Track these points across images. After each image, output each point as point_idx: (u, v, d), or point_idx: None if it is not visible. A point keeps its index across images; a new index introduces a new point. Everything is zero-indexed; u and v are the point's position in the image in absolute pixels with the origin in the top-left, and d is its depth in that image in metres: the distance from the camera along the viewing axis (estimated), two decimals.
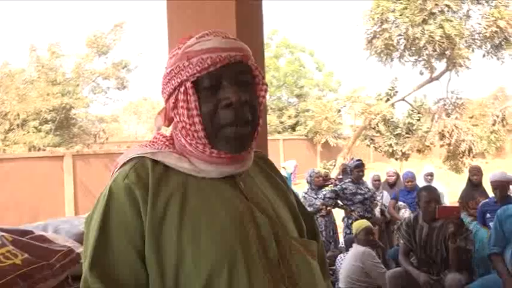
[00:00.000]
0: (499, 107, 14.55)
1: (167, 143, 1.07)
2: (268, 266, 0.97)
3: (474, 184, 5.96)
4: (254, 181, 1.11)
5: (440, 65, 12.26)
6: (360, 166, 5.71)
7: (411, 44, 11.25)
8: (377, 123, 13.68)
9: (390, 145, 13.75)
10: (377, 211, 5.90)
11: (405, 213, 6.02)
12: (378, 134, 14.61)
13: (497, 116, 13.43)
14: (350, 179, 5.73)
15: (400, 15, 11.14)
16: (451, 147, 11.86)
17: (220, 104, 0.98)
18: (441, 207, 4.06)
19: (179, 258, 0.93)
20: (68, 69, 13.78)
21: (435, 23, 10.78)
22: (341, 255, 4.98)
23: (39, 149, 11.98)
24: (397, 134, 13.92)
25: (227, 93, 0.98)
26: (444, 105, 12.56)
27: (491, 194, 5.03)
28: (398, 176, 7.25)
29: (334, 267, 4.91)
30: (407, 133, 13.88)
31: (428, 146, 12.73)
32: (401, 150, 13.25)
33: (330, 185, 6.97)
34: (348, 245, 4.82)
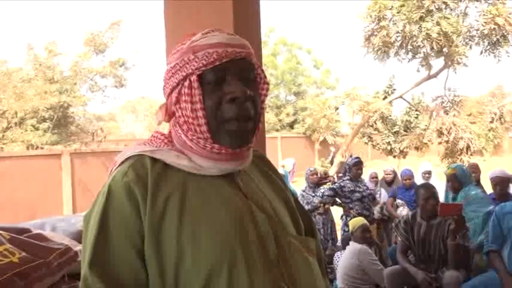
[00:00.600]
0: (496, 104, 14.59)
1: (165, 140, 1.07)
2: (268, 264, 0.97)
3: None
4: (253, 180, 1.11)
5: (437, 63, 12.28)
6: (358, 164, 5.71)
7: (408, 41, 11.25)
8: (374, 121, 13.70)
9: (388, 143, 13.77)
10: (376, 210, 5.91)
11: (403, 211, 6.02)
12: (376, 132, 14.62)
13: (495, 114, 13.47)
14: (348, 177, 5.73)
15: (397, 12, 11.14)
16: (449, 145, 11.87)
17: (224, 98, 0.99)
18: (443, 204, 4.06)
19: (179, 256, 0.92)
20: (65, 67, 13.77)
21: (432, 20, 10.78)
22: (338, 253, 4.99)
23: (37, 148, 11.97)
24: (395, 132, 13.94)
25: (232, 88, 0.99)
26: (442, 102, 12.57)
27: (489, 192, 5.04)
28: (395, 174, 7.26)
29: (332, 265, 4.92)
30: (405, 131, 13.90)
31: (426, 144, 12.74)
32: (399, 148, 13.26)
33: (328, 183, 6.97)
34: (345, 243, 4.82)
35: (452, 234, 3.77)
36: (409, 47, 11.43)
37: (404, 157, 13.75)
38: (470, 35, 11.46)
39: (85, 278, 0.92)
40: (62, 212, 9.93)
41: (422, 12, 10.75)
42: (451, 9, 11.13)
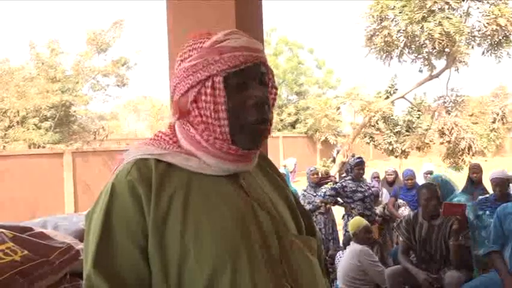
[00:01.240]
0: (499, 104, 14.56)
1: (170, 141, 1.06)
2: (270, 263, 0.98)
3: (474, 182, 5.95)
4: (255, 179, 1.11)
5: (439, 63, 12.26)
6: (360, 164, 5.71)
7: (410, 41, 11.23)
8: (376, 121, 13.68)
9: (390, 143, 13.75)
10: (379, 210, 5.91)
11: (405, 211, 6.03)
12: (377, 132, 14.61)
13: (497, 114, 13.44)
14: (350, 177, 5.73)
15: (400, 12, 11.12)
16: (451, 145, 11.85)
17: (248, 102, 1.00)
18: (447, 204, 4.04)
19: (182, 255, 0.93)
20: (67, 66, 13.79)
21: (434, 20, 10.76)
22: (340, 252, 4.99)
23: (39, 146, 11.99)
24: (397, 132, 13.92)
25: (256, 92, 1.01)
26: (444, 102, 12.55)
27: (491, 192, 5.03)
28: (396, 174, 7.27)
29: (334, 265, 4.91)
30: (406, 131, 13.88)
31: (428, 144, 12.72)
32: (401, 148, 13.25)
33: (329, 183, 6.98)
34: (347, 243, 4.82)
35: (455, 234, 3.76)
36: (411, 47, 11.42)
37: (406, 157, 13.74)
38: (473, 35, 11.44)
39: (88, 277, 0.92)
40: (64, 210, 9.95)
41: (424, 13, 10.73)
42: (453, 10, 11.11)
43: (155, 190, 0.96)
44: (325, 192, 5.97)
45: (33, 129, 12.46)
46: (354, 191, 5.58)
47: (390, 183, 7.05)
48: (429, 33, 10.70)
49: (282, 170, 8.44)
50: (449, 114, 12.22)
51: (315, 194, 6.18)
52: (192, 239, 0.93)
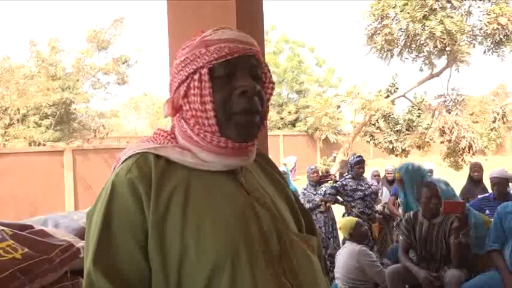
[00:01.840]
0: (499, 104, 14.54)
1: (168, 137, 1.07)
2: (270, 260, 0.98)
3: (475, 181, 5.96)
4: (254, 177, 1.11)
5: (440, 62, 12.26)
6: (360, 162, 5.71)
7: (411, 40, 11.23)
8: (377, 120, 13.69)
9: (390, 141, 13.76)
10: (379, 208, 5.91)
11: None
12: (378, 130, 14.62)
13: (498, 113, 13.42)
14: (350, 176, 5.73)
15: (401, 11, 11.11)
16: (451, 144, 11.86)
17: (235, 92, 1.00)
18: (447, 202, 4.04)
19: (182, 252, 0.93)
20: (68, 64, 13.77)
21: (436, 19, 10.75)
22: (340, 250, 4.98)
23: (39, 144, 11.99)
24: (397, 131, 13.93)
25: (243, 82, 1.00)
26: (445, 101, 12.56)
27: (491, 191, 5.03)
28: None
29: (334, 264, 4.91)
30: (407, 129, 13.89)
31: (428, 143, 12.73)
32: (401, 147, 13.25)
33: (329, 181, 6.97)
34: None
35: (455, 232, 3.75)
36: (412, 45, 11.41)
37: (406, 156, 13.74)
38: (474, 34, 11.44)
39: (88, 274, 0.92)
40: (64, 208, 9.97)
41: (426, 11, 10.72)
42: (455, 8, 11.11)
43: (155, 187, 0.96)
44: (325, 190, 5.97)
45: (34, 127, 12.47)
46: (355, 189, 5.58)
47: (391, 182, 7.06)
48: (430, 32, 10.70)
49: (282, 168, 8.44)
50: (450, 113, 12.22)
51: (315, 193, 6.18)
52: (192, 235, 0.93)
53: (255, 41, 1.07)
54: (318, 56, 22.28)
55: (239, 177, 1.06)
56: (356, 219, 4.64)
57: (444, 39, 10.73)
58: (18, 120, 12.37)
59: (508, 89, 25.30)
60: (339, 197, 5.82)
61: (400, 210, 5.99)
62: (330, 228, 6.01)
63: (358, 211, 5.45)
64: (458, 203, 4.11)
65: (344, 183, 5.69)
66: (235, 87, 1.00)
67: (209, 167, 1.02)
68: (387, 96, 13.75)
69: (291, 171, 12.84)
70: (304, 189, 6.34)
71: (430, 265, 3.89)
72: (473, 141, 11.71)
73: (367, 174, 6.56)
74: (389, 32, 11.22)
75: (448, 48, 11.26)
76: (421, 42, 11.19)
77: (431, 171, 6.80)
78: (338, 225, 5.12)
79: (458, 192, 6.12)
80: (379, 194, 6.40)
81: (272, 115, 19.62)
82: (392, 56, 11.82)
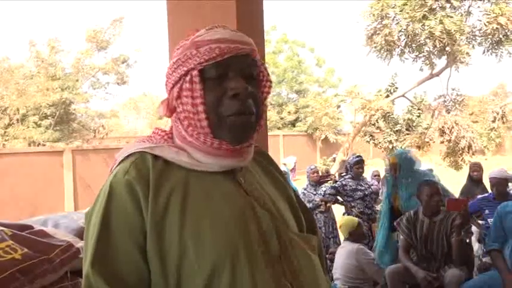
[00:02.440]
0: (499, 103, 14.54)
1: (165, 137, 1.07)
2: (270, 260, 0.97)
3: (474, 180, 5.96)
4: (254, 176, 1.11)
5: (440, 62, 12.26)
6: (360, 162, 5.71)
7: (411, 40, 11.23)
8: (377, 120, 13.68)
9: (390, 141, 13.76)
10: (378, 208, 5.90)
11: None
12: (378, 130, 14.61)
13: (497, 113, 13.42)
14: (350, 176, 5.73)
15: (400, 11, 11.11)
16: (451, 144, 11.86)
17: (226, 94, 0.98)
18: (450, 199, 4.04)
19: (181, 253, 0.92)
20: (67, 64, 13.78)
21: (435, 18, 10.75)
22: (338, 250, 4.98)
23: (38, 144, 11.99)
24: (397, 130, 13.93)
25: (234, 84, 0.98)
26: (445, 101, 12.55)
27: (491, 191, 5.03)
28: None
29: (333, 264, 4.91)
30: (407, 129, 13.89)
31: (428, 143, 12.73)
32: (401, 147, 13.24)
33: (329, 181, 6.97)
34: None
35: (457, 229, 3.75)
36: (412, 45, 11.41)
37: None
38: (473, 34, 11.44)
39: (87, 276, 0.92)
40: (64, 208, 9.96)
41: (425, 11, 10.72)
42: (454, 8, 11.11)
43: (153, 188, 0.95)
44: (325, 190, 5.97)
45: (33, 127, 12.47)
46: (354, 189, 5.58)
47: None
48: (430, 32, 10.69)
49: (282, 168, 8.44)
50: (449, 113, 12.22)
51: (315, 193, 6.18)
52: (191, 236, 0.93)
53: (251, 39, 1.05)
54: (318, 56, 22.28)
55: (238, 177, 1.05)
56: (356, 219, 4.64)
57: (443, 39, 10.72)
58: (17, 120, 12.37)
59: (507, 88, 25.33)
60: (339, 197, 5.82)
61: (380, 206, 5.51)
62: (331, 228, 6.02)
63: (358, 211, 5.45)
64: (461, 200, 4.11)
65: (344, 183, 5.69)
66: (227, 88, 0.98)
67: (205, 167, 1.02)
68: (387, 96, 13.75)
69: (291, 171, 12.83)
70: (304, 189, 6.34)
71: (431, 264, 3.89)
72: (473, 141, 11.71)
73: (367, 174, 6.56)
74: (389, 32, 11.22)
75: (447, 48, 11.26)
76: (421, 42, 11.19)
77: (430, 170, 6.78)
78: (338, 224, 5.12)
79: (458, 192, 6.13)
80: (379, 194, 6.39)
81: (272, 115, 19.61)
82: (391, 56, 11.81)
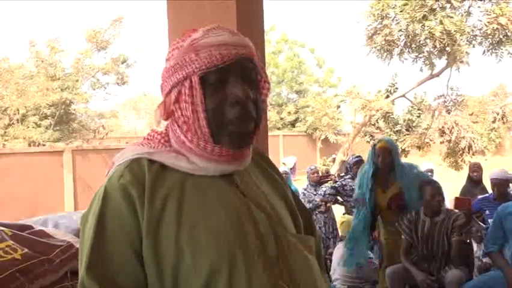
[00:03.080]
0: (499, 104, 14.54)
1: (162, 140, 1.05)
2: (267, 263, 0.96)
3: (474, 181, 5.96)
4: (251, 177, 1.10)
5: (440, 62, 12.25)
6: (359, 163, 5.70)
7: (411, 40, 11.22)
8: (377, 120, 13.68)
9: None
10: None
11: None
12: (378, 131, 14.61)
13: (497, 113, 13.42)
14: (350, 176, 5.73)
15: (401, 11, 11.10)
16: (451, 144, 11.86)
17: (227, 100, 0.97)
18: (458, 198, 4.06)
19: (177, 257, 0.91)
20: (67, 64, 13.79)
21: (435, 19, 10.75)
22: (336, 251, 4.98)
23: (38, 144, 11.99)
24: (397, 131, 13.93)
25: (235, 90, 0.97)
26: (445, 101, 12.54)
27: (491, 191, 5.03)
28: None
29: (331, 265, 4.91)
30: (407, 130, 13.89)
31: (428, 143, 12.72)
32: (401, 147, 13.24)
33: (329, 182, 6.97)
34: None
35: (459, 229, 3.75)
36: (412, 46, 11.40)
37: (406, 156, 13.72)
38: (473, 34, 11.43)
39: (82, 281, 0.91)
40: (64, 208, 9.96)
41: (425, 11, 10.71)
42: (454, 8, 11.10)
43: (149, 192, 0.95)
44: (325, 191, 5.98)
45: (33, 127, 12.47)
46: (354, 189, 5.57)
47: None
48: (430, 32, 10.68)
49: (283, 168, 8.43)
50: (449, 113, 12.21)
51: (315, 193, 6.18)
52: (187, 240, 0.92)
53: (249, 41, 1.04)
54: (318, 56, 22.29)
55: (235, 179, 1.04)
56: None
57: (443, 39, 10.72)
58: (17, 120, 12.37)
59: (507, 89, 25.33)
60: (339, 197, 5.82)
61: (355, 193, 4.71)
62: (331, 229, 6.01)
63: None
64: (466, 199, 4.12)
65: (344, 183, 5.69)
66: (227, 94, 0.97)
67: (204, 172, 1.01)
68: (387, 96, 13.74)
69: (290, 170, 12.81)
70: (305, 190, 6.34)
71: (431, 265, 3.88)
72: (473, 141, 11.70)
73: None
74: (389, 32, 11.21)
75: (447, 49, 11.25)
76: (421, 42, 11.18)
77: (431, 170, 6.79)
78: (339, 222, 5.11)
79: (457, 192, 6.13)
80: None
81: (272, 115, 19.62)
82: (391, 56, 11.80)
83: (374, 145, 4.24)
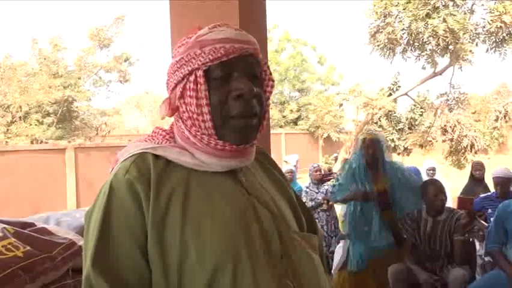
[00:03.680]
0: (501, 102, 14.52)
1: (167, 136, 1.06)
2: (272, 260, 0.97)
3: (476, 179, 5.94)
4: (255, 176, 1.10)
5: (443, 60, 12.22)
6: None
7: (414, 38, 11.19)
8: (379, 118, 13.67)
9: (393, 140, 13.74)
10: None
11: None
12: (380, 129, 14.60)
13: (500, 112, 13.41)
14: None
15: (403, 9, 11.08)
16: (453, 143, 11.84)
17: (231, 95, 0.97)
18: (460, 198, 4.05)
19: (182, 253, 0.92)
20: (70, 62, 13.82)
21: (439, 17, 10.72)
22: (337, 249, 4.98)
23: (41, 142, 12.02)
24: (399, 129, 13.92)
25: (239, 84, 0.97)
26: (447, 100, 12.52)
27: (493, 190, 5.02)
28: None
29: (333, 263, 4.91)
30: (409, 128, 13.88)
31: (430, 141, 12.71)
32: (403, 145, 13.23)
33: (332, 180, 6.96)
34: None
35: (462, 228, 3.74)
36: (415, 44, 11.38)
37: (408, 155, 13.73)
38: (477, 32, 11.40)
39: (87, 276, 0.91)
40: (66, 206, 9.99)
41: (429, 9, 10.68)
42: (458, 6, 11.06)
43: (154, 187, 0.95)
44: (327, 189, 5.97)
45: (36, 124, 12.50)
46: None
47: None
48: (433, 30, 10.65)
49: (288, 166, 8.42)
50: (452, 111, 12.20)
51: (317, 191, 6.18)
52: (192, 236, 0.92)
53: (254, 38, 1.04)
54: (321, 54, 22.26)
55: (239, 176, 1.05)
56: None
57: (447, 37, 10.69)
58: (20, 118, 12.40)
59: (510, 87, 25.24)
60: None
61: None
62: (333, 227, 6.01)
63: None
64: (468, 199, 4.12)
65: None
66: (231, 89, 0.98)
67: (208, 168, 1.01)
68: (390, 94, 13.73)
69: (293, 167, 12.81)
70: (307, 188, 6.33)
71: (434, 264, 3.88)
72: (476, 140, 11.68)
73: None
74: (392, 30, 11.19)
75: (450, 47, 11.22)
76: (424, 40, 11.15)
77: (433, 168, 6.78)
78: (341, 221, 5.10)
79: (459, 191, 6.12)
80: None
81: (274, 113, 19.62)
82: (394, 54, 11.78)
83: (364, 138, 4.20)
